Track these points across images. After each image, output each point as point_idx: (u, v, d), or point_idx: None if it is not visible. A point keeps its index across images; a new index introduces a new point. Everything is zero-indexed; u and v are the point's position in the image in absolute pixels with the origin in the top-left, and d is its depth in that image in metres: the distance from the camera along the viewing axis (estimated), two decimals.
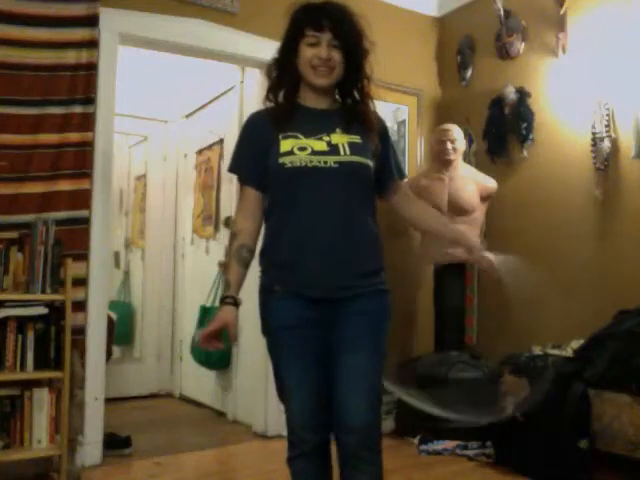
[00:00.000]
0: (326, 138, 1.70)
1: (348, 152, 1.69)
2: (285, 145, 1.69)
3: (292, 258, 1.69)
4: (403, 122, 4.29)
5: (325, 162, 1.67)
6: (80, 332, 3.03)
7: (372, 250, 1.75)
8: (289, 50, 1.74)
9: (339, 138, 1.71)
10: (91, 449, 3.06)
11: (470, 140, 4.09)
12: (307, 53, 1.70)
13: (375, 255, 1.76)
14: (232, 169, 1.83)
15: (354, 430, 1.64)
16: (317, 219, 1.68)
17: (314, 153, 1.67)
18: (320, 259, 1.67)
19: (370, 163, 1.73)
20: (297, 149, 1.67)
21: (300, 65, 1.73)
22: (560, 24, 3.57)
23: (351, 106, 1.80)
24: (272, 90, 1.80)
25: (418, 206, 1.96)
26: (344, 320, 1.68)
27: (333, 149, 1.69)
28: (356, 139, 1.73)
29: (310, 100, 1.78)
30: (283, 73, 1.77)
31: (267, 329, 1.79)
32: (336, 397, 1.66)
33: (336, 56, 1.70)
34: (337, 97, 1.82)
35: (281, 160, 1.67)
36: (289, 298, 1.71)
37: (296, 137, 1.70)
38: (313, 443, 1.70)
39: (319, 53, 1.69)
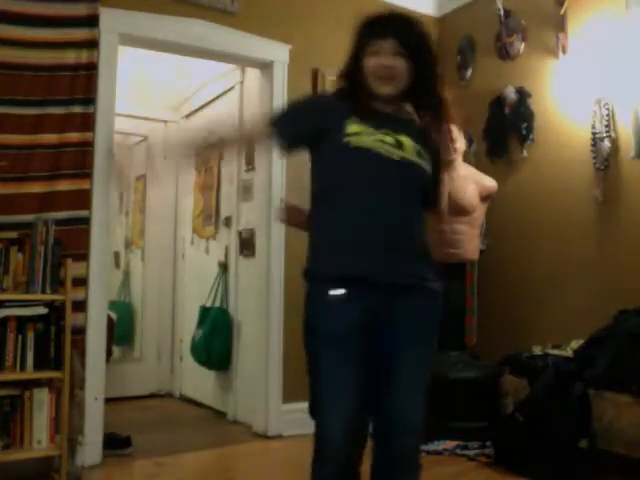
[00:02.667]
0: (394, 135, 1.68)
1: (414, 154, 1.69)
2: (353, 127, 1.66)
3: (354, 237, 1.63)
4: None
5: (390, 153, 1.65)
6: (80, 332, 3.03)
7: (426, 249, 1.75)
8: (355, 61, 1.73)
9: (406, 140, 1.69)
10: (91, 449, 3.06)
11: (470, 140, 4.09)
12: (370, 62, 1.69)
13: (428, 256, 1.76)
14: (273, 119, 1.83)
15: (412, 429, 1.65)
16: (378, 202, 1.65)
17: (381, 142, 1.66)
18: (384, 238, 1.63)
19: (428, 168, 1.72)
20: (364, 134, 1.66)
21: (366, 75, 1.71)
22: (560, 24, 3.57)
23: (426, 120, 1.77)
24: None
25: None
26: (403, 319, 1.66)
27: (399, 145, 1.67)
28: (421, 148, 1.71)
29: (378, 107, 1.75)
30: (350, 86, 1.76)
31: (314, 333, 1.71)
32: (393, 394, 1.66)
33: (400, 64, 1.68)
34: (410, 109, 1.80)
35: (347, 139, 1.64)
36: (343, 300, 1.62)
37: (365, 125, 1.67)
38: (348, 457, 1.65)
39: (381, 61, 1.68)
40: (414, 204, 1.72)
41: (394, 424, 1.63)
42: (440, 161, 1.79)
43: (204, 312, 4.26)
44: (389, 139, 1.66)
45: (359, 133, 1.65)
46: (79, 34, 3.12)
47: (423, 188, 1.73)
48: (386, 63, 1.67)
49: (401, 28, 1.70)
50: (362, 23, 1.74)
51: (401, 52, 1.67)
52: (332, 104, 1.78)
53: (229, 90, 4.39)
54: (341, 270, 1.62)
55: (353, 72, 1.74)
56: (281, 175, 3.70)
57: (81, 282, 3.04)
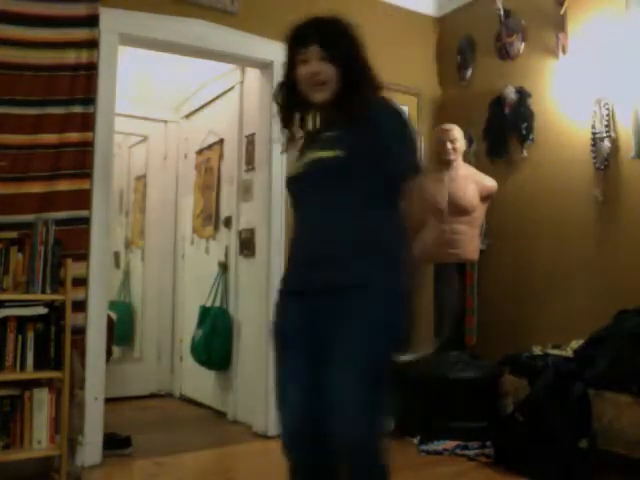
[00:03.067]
0: (317, 151, 1.68)
1: (318, 150, 1.67)
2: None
3: (291, 255, 1.77)
4: None
5: (303, 166, 1.70)
6: (80, 332, 3.03)
7: (365, 243, 1.62)
8: (290, 73, 1.75)
9: (325, 149, 1.69)
10: (91, 449, 3.06)
11: (470, 140, 4.09)
12: (301, 70, 1.70)
13: (369, 249, 1.61)
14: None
15: (348, 424, 1.56)
16: (305, 217, 1.72)
17: (305, 163, 1.71)
18: (309, 248, 1.68)
19: (340, 153, 1.62)
20: (296, 161, 1.76)
21: (300, 84, 1.72)
22: (560, 24, 3.57)
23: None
24: (282, 117, 1.80)
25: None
26: (331, 321, 1.62)
27: (315, 156, 1.69)
28: (334, 133, 1.67)
29: (321, 118, 1.77)
30: (289, 97, 1.77)
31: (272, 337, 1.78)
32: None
33: (326, 68, 1.66)
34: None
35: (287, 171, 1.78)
36: (283, 299, 1.73)
37: (301, 152, 1.78)
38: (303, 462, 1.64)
39: (310, 68, 1.67)
40: (339, 199, 1.64)
41: (331, 422, 1.57)
42: (363, 122, 1.65)
43: (204, 312, 4.26)
44: (310, 156, 1.69)
45: (294, 162, 1.77)
46: (79, 34, 3.12)
47: (345, 170, 1.63)
48: (314, 69, 1.67)
49: (324, 33, 1.69)
50: (289, 32, 1.75)
51: (326, 57, 1.67)
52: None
53: (229, 90, 4.39)
54: (284, 285, 1.75)
55: (290, 83, 1.75)
56: (281, 175, 3.70)
57: (81, 282, 3.04)
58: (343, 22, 1.73)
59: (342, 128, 1.66)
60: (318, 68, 1.67)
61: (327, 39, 1.68)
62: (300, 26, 1.73)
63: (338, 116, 1.69)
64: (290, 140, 1.79)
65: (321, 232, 1.65)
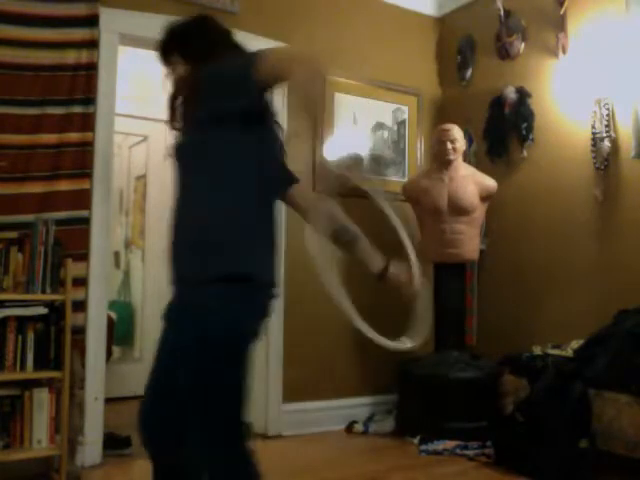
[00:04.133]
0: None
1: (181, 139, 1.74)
2: None
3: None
4: (403, 122, 4.29)
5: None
6: (80, 332, 3.03)
7: (206, 243, 1.51)
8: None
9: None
10: (91, 449, 3.06)
11: (470, 140, 4.09)
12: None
13: (209, 250, 1.50)
14: None
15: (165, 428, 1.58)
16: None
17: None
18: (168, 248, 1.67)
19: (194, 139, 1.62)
20: None
21: None
22: (560, 24, 3.57)
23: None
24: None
25: None
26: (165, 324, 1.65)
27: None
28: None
29: None
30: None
31: None
32: None
33: (178, 70, 1.71)
34: None
35: None
36: None
37: None
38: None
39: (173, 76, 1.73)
40: (194, 182, 1.62)
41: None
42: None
43: None
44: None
45: None
46: (79, 34, 3.12)
47: (198, 154, 1.60)
48: (173, 76, 1.72)
49: (161, 47, 1.77)
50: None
51: (169, 61, 1.74)
52: None
53: None
54: None
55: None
56: None
57: (81, 282, 3.04)
58: (175, 26, 1.84)
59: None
60: (173, 73, 1.73)
61: (163, 47, 1.80)
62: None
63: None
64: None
65: (176, 229, 1.72)
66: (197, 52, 1.67)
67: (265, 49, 1.49)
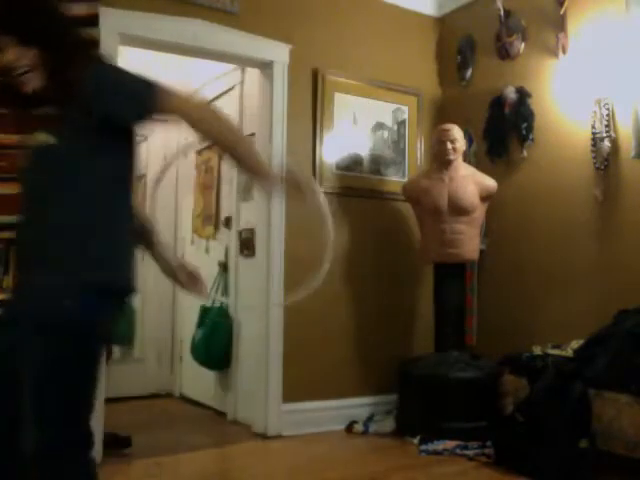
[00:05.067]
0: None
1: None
2: None
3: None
4: (403, 122, 4.29)
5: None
6: None
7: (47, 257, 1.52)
8: None
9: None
10: None
11: (470, 140, 4.09)
12: None
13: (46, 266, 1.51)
14: None
15: None
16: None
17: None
18: None
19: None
20: None
21: None
22: (560, 24, 3.58)
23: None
24: None
25: None
26: None
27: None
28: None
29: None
30: None
31: None
32: None
33: (16, 55, 1.44)
34: None
35: None
36: None
37: None
38: None
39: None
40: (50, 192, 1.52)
41: None
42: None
43: (204, 312, 4.25)
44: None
45: None
46: None
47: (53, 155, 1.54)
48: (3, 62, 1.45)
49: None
50: None
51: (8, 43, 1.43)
52: None
53: (229, 90, 4.39)
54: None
55: None
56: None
57: None
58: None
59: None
60: (7, 58, 1.45)
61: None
62: None
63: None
64: None
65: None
66: (46, 34, 1.45)
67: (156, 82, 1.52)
